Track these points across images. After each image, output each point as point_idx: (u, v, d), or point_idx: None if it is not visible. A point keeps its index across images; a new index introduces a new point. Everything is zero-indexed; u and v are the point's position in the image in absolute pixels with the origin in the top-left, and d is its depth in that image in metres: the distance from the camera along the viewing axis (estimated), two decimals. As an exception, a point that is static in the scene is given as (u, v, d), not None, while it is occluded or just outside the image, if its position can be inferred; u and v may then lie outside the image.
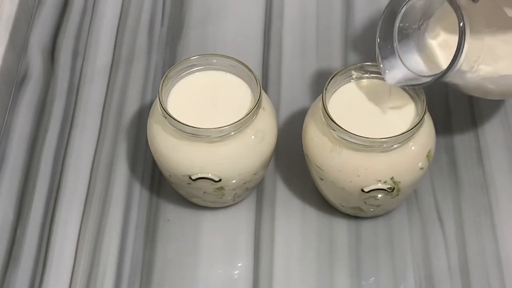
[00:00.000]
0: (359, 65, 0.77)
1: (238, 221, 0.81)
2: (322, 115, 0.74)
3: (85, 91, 0.91)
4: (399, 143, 0.72)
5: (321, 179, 0.77)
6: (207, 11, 0.97)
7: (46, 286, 0.77)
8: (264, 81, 0.91)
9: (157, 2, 0.98)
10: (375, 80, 0.77)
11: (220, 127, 0.73)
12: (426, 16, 0.74)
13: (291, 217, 0.81)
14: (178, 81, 0.78)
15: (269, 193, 0.83)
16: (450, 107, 0.88)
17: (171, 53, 0.94)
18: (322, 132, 0.74)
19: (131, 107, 0.89)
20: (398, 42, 0.75)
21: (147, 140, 0.79)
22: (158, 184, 0.83)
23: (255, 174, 0.77)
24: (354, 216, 0.80)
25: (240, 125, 0.73)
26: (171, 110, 0.74)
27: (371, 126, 0.75)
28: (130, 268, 0.78)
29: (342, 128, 0.72)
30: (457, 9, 0.67)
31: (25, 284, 0.77)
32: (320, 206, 0.81)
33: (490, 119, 0.88)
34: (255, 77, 0.76)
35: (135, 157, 0.85)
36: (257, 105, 0.74)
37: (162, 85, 0.75)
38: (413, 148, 0.74)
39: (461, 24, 0.67)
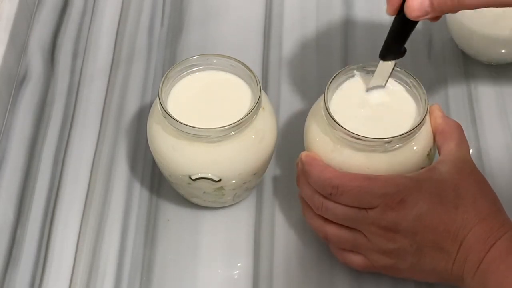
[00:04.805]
0: (360, 65, 0.77)
1: (238, 221, 0.81)
2: (324, 115, 0.74)
3: (85, 91, 0.91)
4: (401, 143, 0.72)
5: (322, 179, 0.77)
6: (207, 11, 0.97)
7: (46, 286, 0.77)
8: (264, 81, 0.91)
9: (157, 2, 0.98)
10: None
11: (220, 127, 0.73)
12: None
13: (291, 217, 0.81)
14: (178, 81, 0.78)
15: (269, 193, 0.83)
16: (450, 107, 0.88)
17: (171, 53, 0.94)
18: (324, 132, 0.74)
19: (131, 107, 0.89)
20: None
21: (147, 140, 0.79)
22: (158, 184, 0.83)
23: (255, 174, 0.77)
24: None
25: (240, 125, 0.73)
26: (171, 110, 0.74)
27: (373, 126, 0.75)
28: (130, 268, 0.78)
29: (344, 128, 0.72)
30: None
31: (25, 284, 0.77)
32: (320, 206, 0.81)
33: (490, 119, 0.88)
34: (255, 77, 0.76)
35: (135, 157, 0.85)
36: (257, 105, 0.74)
37: (162, 85, 0.75)
38: (414, 148, 0.74)
39: None
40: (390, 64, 0.75)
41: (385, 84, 0.76)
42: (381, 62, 0.75)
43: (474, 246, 0.67)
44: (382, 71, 0.75)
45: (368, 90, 0.76)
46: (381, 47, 0.74)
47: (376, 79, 0.76)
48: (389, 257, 0.71)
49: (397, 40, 0.73)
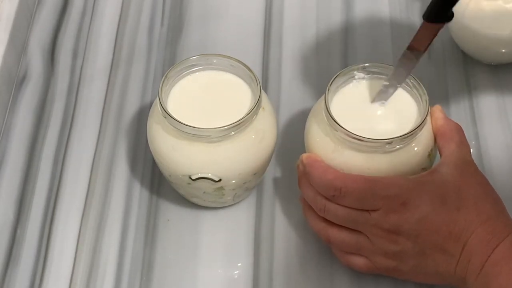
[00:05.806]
0: (361, 65, 0.77)
1: (238, 221, 0.81)
2: (324, 115, 0.74)
3: (85, 91, 0.91)
4: (402, 144, 0.72)
5: (322, 179, 0.76)
6: (207, 11, 0.97)
7: (46, 286, 0.77)
8: (264, 81, 0.91)
9: (157, 2, 0.98)
10: (378, 81, 0.77)
11: (220, 127, 0.73)
12: None
13: (291, 217, 0.81)
14: (178, 81, 0.78)
15: (269, 193, 0.83)
16: (450, 107, 0.88)
17: (171, 53, 0.94)
18: (324, 132, 0.74)
19: (131, 107, 0.89)
20: None
21: (147, 140, 0.79)
22: (158, 184, 0.83)
23: (255, 174, 0.77)
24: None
25: (240, 125, 0.73)
26: (171, 110, 0.74)
27: (373, 126, 0.75)
28: (130, 268, 0.78)
29: (345, 129, 0.72)
30: None
31: (25, 283, 0.77)
32: (320, 206, 0.81)
33: (490, 119, 0.88)
34: (255, 77, 0.76)
35: (135, 157, 0.85)
36: (257, 105, 0.74)
37: (162, 85, 0.75)
38: (415, 148, 0.74)
39: None
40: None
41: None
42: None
43: (477, 248, 0.67)
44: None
45: (380, 95, 0.76)
46: (427, 7, 0.70)
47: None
48: (392, 259, 0.71)
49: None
